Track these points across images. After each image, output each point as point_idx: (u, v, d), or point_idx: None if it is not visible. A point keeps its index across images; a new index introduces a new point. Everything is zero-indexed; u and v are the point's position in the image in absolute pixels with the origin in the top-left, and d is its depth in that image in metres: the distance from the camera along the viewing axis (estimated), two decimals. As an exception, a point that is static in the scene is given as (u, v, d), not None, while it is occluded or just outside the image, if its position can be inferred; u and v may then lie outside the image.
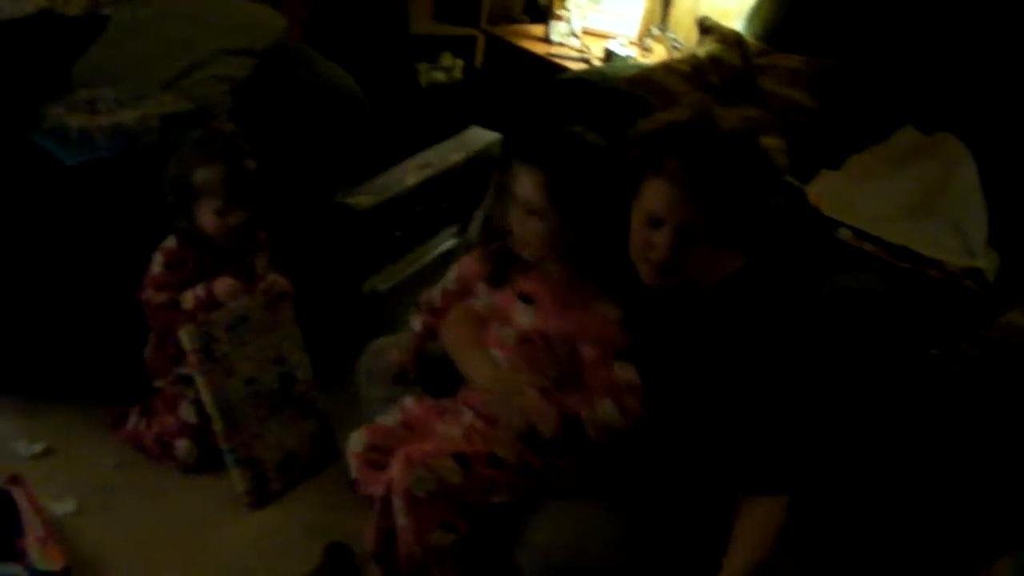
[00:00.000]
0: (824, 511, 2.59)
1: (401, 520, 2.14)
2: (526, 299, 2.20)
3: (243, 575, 2.49)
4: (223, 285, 2.65)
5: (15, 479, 2.43)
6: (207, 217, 2.65)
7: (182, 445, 2.73)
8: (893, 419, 2.58)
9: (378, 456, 2.27)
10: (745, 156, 2.02)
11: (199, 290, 2.66)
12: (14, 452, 2.72)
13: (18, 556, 2.26)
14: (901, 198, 3.24)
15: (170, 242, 2.71)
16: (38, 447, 2.74)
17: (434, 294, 2.45)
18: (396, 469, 2.13)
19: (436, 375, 2.37)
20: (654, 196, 2.01)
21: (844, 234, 3.11)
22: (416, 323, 2.49)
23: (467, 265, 2.38)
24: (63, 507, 2.57)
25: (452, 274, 2.42)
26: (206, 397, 2.62)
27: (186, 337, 2.57)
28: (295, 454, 2.79)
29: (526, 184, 2.08)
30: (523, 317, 2.20)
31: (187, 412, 2.72)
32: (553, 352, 2.18)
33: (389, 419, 2.34)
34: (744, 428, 2.07)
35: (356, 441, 2.32)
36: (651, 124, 2.08)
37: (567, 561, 2.13)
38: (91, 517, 2.57)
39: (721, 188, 1.98)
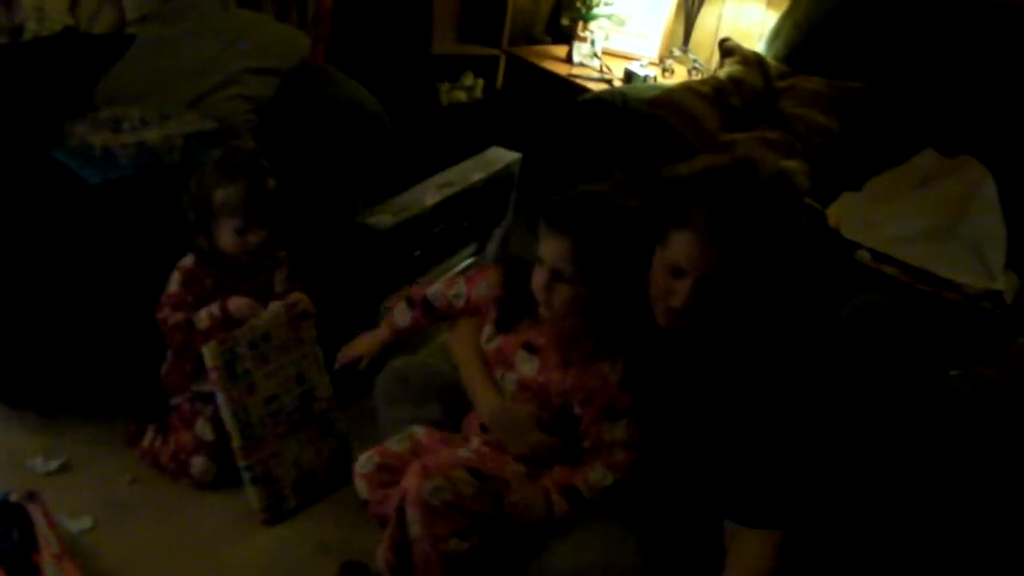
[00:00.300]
0: (838, 533, 2.58)
1: (415, 530, 2.15)
2: (531, 349, 2.22)
3: (258, 593, 2.50)
4: (237, 303, 2.65)
5: (31, 495, 2.43)
6: (227, 236, 2.66)
7: (198, 462, 2.73)
8: (911, 441, 2.57)
9: (388, 477, 2.29)
10: (778, 213, 1.98)
11: (214, 308, 2.67)
12: (31, 468, 2.72)
13: (34, 572, 2.26)
14: (921, 220, 3.24)
15: (187, 260, 2.72)
16: (55, 463, 2.75)
17: (434, 293, 2.46)
18: (411, 479, 2.14)
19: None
20: (679, 247, 1.98)
21: (863, 256, 3.11)
22: (404, 318, 2.51)
23: (477, 289, 2.39)
24: (79, 523, 2.57)
25: (459, 289, 2.42)
26: (226, 414, 2.62)
27: (209, 354, 2.58)
28: (312, 472, 2.79)
29: (554, 250, 2.08)
30: (525, 366, 2.22)
31: (204, 429, 2.73)
32: (549, 403, 2.20)
33: (398, 445, 2.36)
34: (742, 461, 2.06)
35: (365, 463, 2.34)
36: (686, 169, 2.05)
37: None
38: (107, 534, 2.57)
39: (749, 246, 1.95)
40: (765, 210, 1.94)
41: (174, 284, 2.71)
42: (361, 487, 2.34)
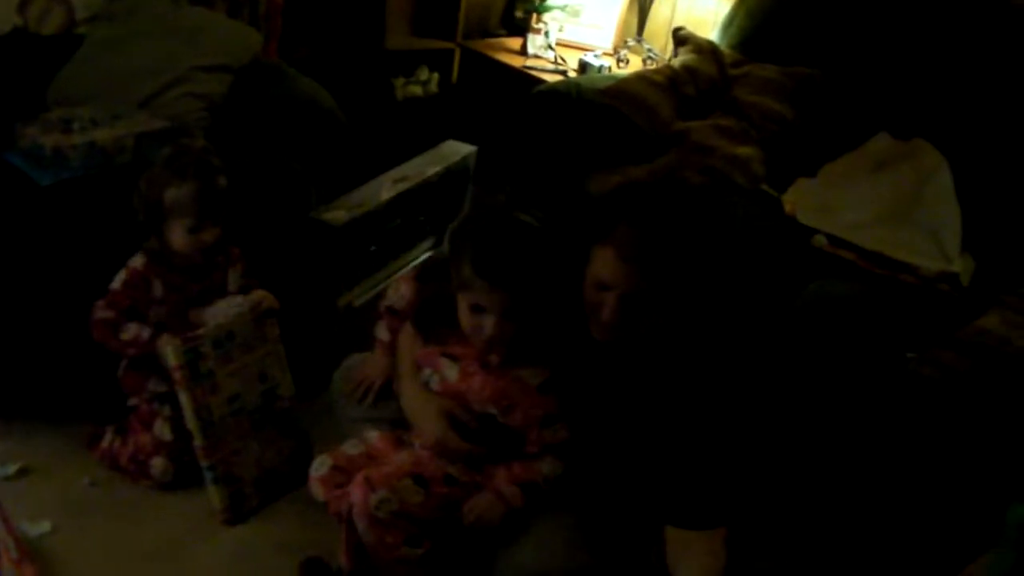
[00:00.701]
0: (800, 515, 2.60)
1: (367, 539, 2.18)
2: (452, 358, 2.23)
3: (220, 592, 2.48)
4: (165, 344, 2.61)
5: (-11, 500, 2.43)
6: (179, 236, 2.64)
7: (157, 463, 2.72)
8: (869, 424, 2.59)
9: (343, 478, 2.30)
10: (701, 227, 2.03)
11: (144, 333, 2.67)
12: (-13, 473, 2.71)
13: (-8, 577, 2.26)
14: (876, 204, 3.26)
15: (137, 261, 2.71)
16: (12, 468, 2.72)
17: (390, 299, 2.47)
18: (357, 492, 2.17)
19: None
20: (602, 264, 2.04)
21: (819, 241, 3.13)
22: (383, 332, 2.50)
23: (409, 289, 2.41)
24: (38, 528, 2.55)
25: (401, 290, 2.45)
26: (188, 414, 2.61)
27: (171, 353, 2.56)
28: (274, 471, 2.78)
29: (493, 303, 2.09)
30: (448, 371, 2.24)
31: (162, 430, 2.71)
32: (470, 409, 2.22)
33: (353, 449, 2.37)
34: (678, 464, 2.10)
35: (318, 466, 2.35)
36: (605, 185, 2.08)
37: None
38: (66, 537, 2.55)
39: (670, 264, 2.00)
40: (686, 225, 2.01)
41: (117, 283, 2.69)
42: (316, 489, 2.35)
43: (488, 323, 2.11)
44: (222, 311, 2.71)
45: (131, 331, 2.67)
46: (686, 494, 2.11)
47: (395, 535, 2.17)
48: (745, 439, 2.13)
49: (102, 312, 2.67)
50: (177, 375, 2.58)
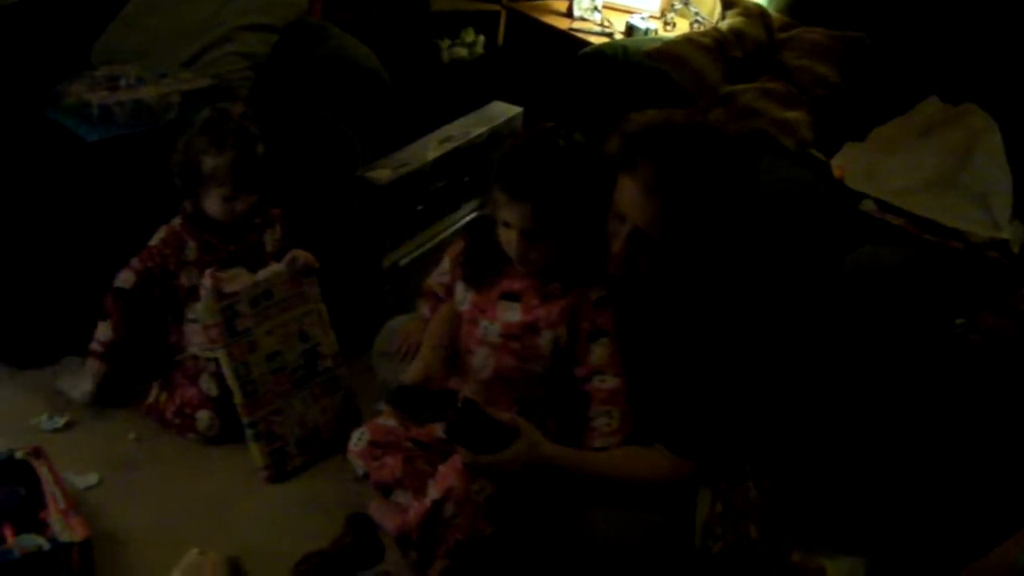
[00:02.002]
0: (843, 480, 2.59)
1: (458, 522, 2.17)
2: (511, 297, 2.21)
3: (262, 548, 2.48)
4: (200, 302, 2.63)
5: (37, 452, 2.44)
6: (214, 203, 2.67)
7: (203, 417, 2.73)
8: (916, 389, 2.57)
9: (381, 450, 2.34)
10: (725, 177, 2.00)
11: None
12: (36, 426, 2.73)
13: (41, 528, 2.27)
14: (925, 170, 3.22)
15: (176, 221, 2.73)
16: (60, 421, 2.75)
17: (434, 281, 2.47)
18: (454, 479, 2.15)
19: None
20: (622, 193, 2.03)
21: (868, 206, 3.10)
22: (426, 309, 2.52)
23: (455, 251, 2.40)
24: (85, 480, 2.58)
25: (444, 265, 2.45)
26: (227, 371, 2.62)
27: (206, 311, 2.58)
28: (317, 430, 2.78)
29: (517, 215, 2.08)
30: (508, 314, 2.21)
31: (208, 384, 2.72)
32: (536, 346, 2.20)
33: (390, 420, 2.39)
34: (676, 392, 2.11)
35: (357, 440, 2.39)
36: (642, 119, 2.06)
37: None
38: (112, 490, 2.58)
39: (689, 205, 1.98)
40: (710, 173, 1.98)
41: (156, 239, 2.73)
42: (357, 463, 2.39)
43: (512, 237, 2.11)
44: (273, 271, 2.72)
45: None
46: (674, 420, 2.12)
47: (482, 520, 2.17)
48: (752, 389, 2.11)
49: (127, 270, 2.71)
50: (213, 332, 2.60)
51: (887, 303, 2.73)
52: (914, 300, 2.73)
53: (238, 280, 2.63)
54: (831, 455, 2.68)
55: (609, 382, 2.17)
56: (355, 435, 2.40)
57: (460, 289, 2.33)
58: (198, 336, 2.72)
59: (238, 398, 2.63)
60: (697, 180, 1.96)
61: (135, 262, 2.70)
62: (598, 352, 2.17)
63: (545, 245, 2.10)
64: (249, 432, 2.66)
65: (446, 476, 2.17)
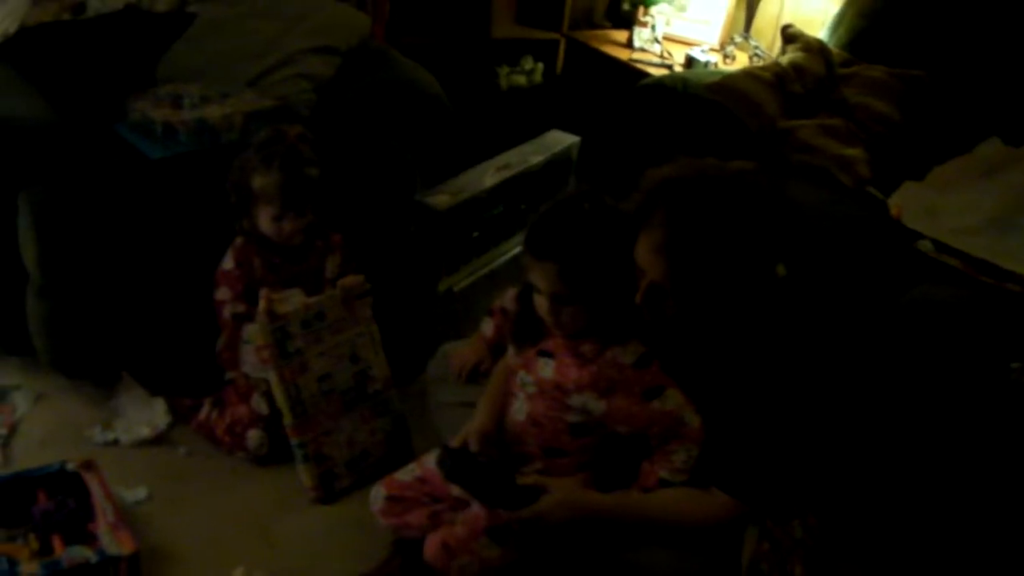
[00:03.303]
0: (896, 519, 2.57)
1: None
2: (547, 355, 2.20)
3: (308, 568, 2.50)
4: (254, 323, 2.66)
5: (88, 464, 2.46)
6: (265, 221, 2.70)
7: (253, 435, 2.74)
8: (970, 432, 2.54)
9: (400, 507, 2.37)
10: (740, 230, 1.97)
11: (239, 305, 2.76)
12: (88, 438, 2.76)
13: (89, 540, 2.29)
14: (984, 210, 3.19)
15: (238, 240, 2.76)
16: (112, 434, 2.78)
17: (506, 300, 2.46)
18: (436, 554, 2.21)
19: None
20: (638, 249, 2.02)
21: (925, 246, 3.07)
22: (488, 328, 2.52)
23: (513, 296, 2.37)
24: (134, 494, 2.60)
25: (511, 294, 2.42)
26: (277, 392, 2.63)
27: (258, 332, 2.60)
28: (366, 452, 2.79)
29: (544, 277, 2.07)
30: (543, 370, 2.20)
31: (259, 403, 2.73)
32: (565, 405, 2.17)
33: (406, 475, 2.40)
34: (727, 430, 2.08)
35: (375, 498, 2.42)
36: (653, 176, 2.05)
37: None
38: (161, 505, 2.60)
39: (703, 261, 1.97)
40: (720, 230, 1.95)
41: (229, 261, 2.75)
42: (379, 521, 2.42)
43: (542, 301, 2.10)
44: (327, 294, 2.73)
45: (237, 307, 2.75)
46: (729, 463, 2.08)
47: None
48: (804, 427, 2.08)
49: (229, 307, 2.76)
50: (265, 353, 2.61)
51: (943, 343, 2.70)
52: (970, 341, 2.70)
53: (290, 301, 2.65)
54: (880, 493, 2.66)
55: (693, 420, 2.12)
56: (373, 493, 2.42)
57: (511, 349, 2.33)
58: (251, 356, 2.74)
59: (288, 419, 2.64)
60: (706, 238, 1.94)
61: (226, 292, 2.76)
62: (664, 404, 2.12)
63: (575, 308, 2.08)
64: (298, 453, 2.67)
65: (428, 552, 2.24)
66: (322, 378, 2.69)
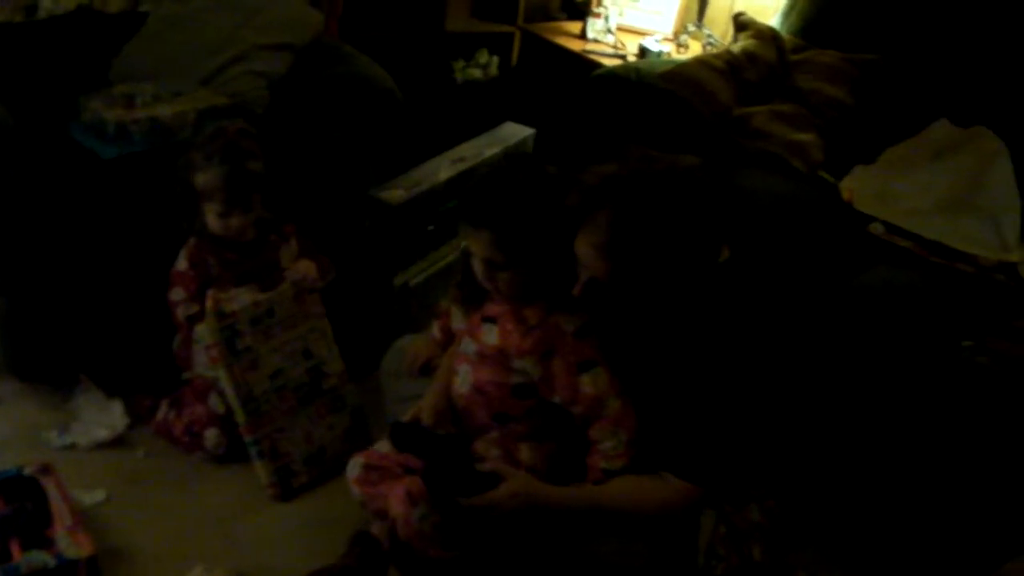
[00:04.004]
0: (850, 501, 2.59)
1: (411, 544, 2.23)
2: (490, 320, 2.23)
3: (267, 565, 2.50)
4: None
5: (45, 468, 2.46)
6: (212, 219, 2.69)
7: (211, 435, 2.74)
8: (923, 410, 2.57)
9: (377, 476, 2.37)
10: (681, 224, 1.98)
11: (192, 306, 2.74)
12: (46, 442, 2.74)
13: (47, 544, 2.28)
14: (935, 192, 3.23)
15: (191, 241, 2.76)
16: (69, 437, 2.76)
17: (449, 301, 2.47)
18: (398, 507, 2.21)
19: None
20: (578, 245, 2.03)
21: (877, 229, 3.11)
22: (436, 329, 2.53)
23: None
24: (93, 497, 2.59)
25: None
26: (227, 389, 2.64)
27: (206, 331, 2.60)
28: (323, 448, 2.79)
29: (478, 244, 2.10)
30: (487, 336, 2.23)
31: (216, 402, 2.73)
32: (508, 370, 2.20)
33: (385, 446, 2.40)
34: (675, 417, 2.09)
35: (352, 467, 2.41)
36: (595, 173, 2.06)
37: None
38: (120, 506, 2.59)
39: (642, 259, 1.98)
40: (661, 226, 1.96)
41: (183, 262, 2.75)
42: (353, 489, 2.41)
43: (476, 265, 2.14)
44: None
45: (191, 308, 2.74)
46: (678, 445, 2.09)
47: (436, 545, 2.20)
48: (754, 408, 2.10)
49: (176, 295, 2.74)
50: (214, 352, 2.61)
51: (896, 324, 2.74)
52: (922, 321, 2.74)
53: (238, 300, 2.65)
54: (836, 475, 2.69)
55: (613, 405, 2.15)
56: (351, 463, 2.42)
57: (457, 312, 2.36)
58: (202, 356, 2.74)
59: (240, 417, 2.65)
60: (650, 242, 1.96)
61: (180, 292, 2.75)
62: (593, 382, 2.15)
63: (510, 273, 2.11)
64: (252, 450, 2.67)
65: (392, 503, 2.23)
66: (274, 375, 2.69)
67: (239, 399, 2.63)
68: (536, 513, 2.11)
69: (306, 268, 2.77)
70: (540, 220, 2.06)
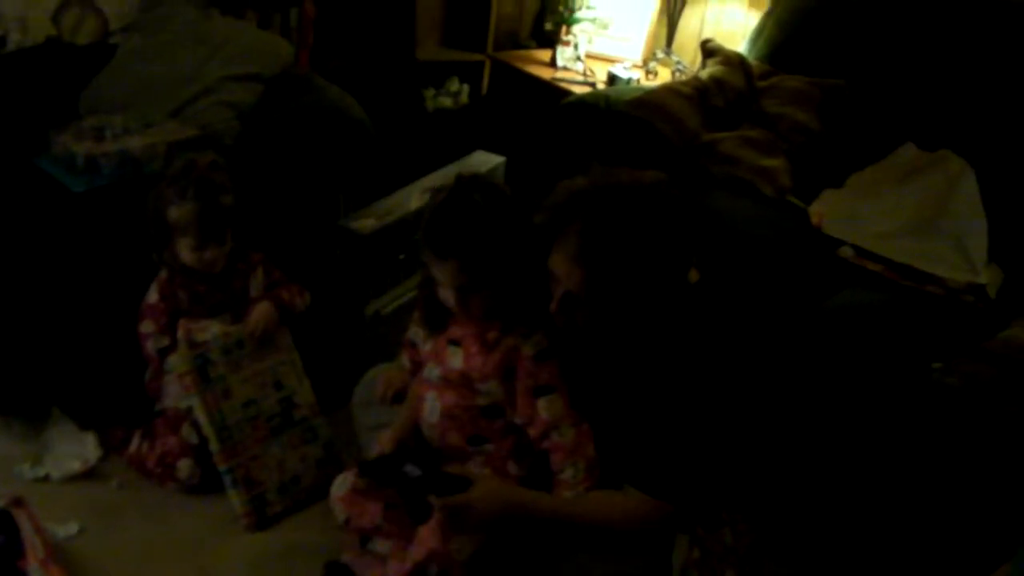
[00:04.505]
0: (822, 522, 2.60)
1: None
2: (455, 343, 2.24)
3: (243, 596, 2.50)
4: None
5: (18, 501, 2.44)
6: (186, 252, 2.70)
7: (184, 465, 2.74)
8: (893, 432, 2.59)
9: (363, 498, 2.36)
10: (652, 238, 2.01)
11: (163, 339, 2.77)
12: (18, 475, 2.73)
13: (20, 577, 2.29)
14: (903, 215, 3.26)
15: (162, 274, 2.77)
16: (42, 470, 2.75)
17: (412, 333, 2.47)
18: (431, 543, 2.17)
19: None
20: (552, 260, 2.06)
21: (846, 252, 3.13)
22: (404, 361, 2.53)
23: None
24: (66, 529, 2.58)
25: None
26: (201, 418, 2.65)
27: (179, 360, 2.62)
28: (297, 478, 2.79)
29: (444, 273, 2.11)
30: (452, 359, 2.23)
31: (188, 433, 2.73)
32: (473, 392, 2.21)
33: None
34: (638, 433, 2.10)
35: (340, 484, 2.40)
36: (566, 187, 2.09)
37: None
38: (93, 539, 2.58)
39: (618, 270, 2.01)
40: (634, 239, 1.99)
41: (153, 294, 2.77)
42: (337, 508, 2.39)
43: (445, 295, 2.15)
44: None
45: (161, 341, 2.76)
46: (639, 460, 2.11)
47: (468, 571, 2.19)
48: (722, 429, 2.12)
49: (146, 327, 2.76)
50: (187, 380, 2.63)
51: (865, 346, 2.75)
52: (892, 344, 2.75)
53: (209, 330, 2.67)
54: (808, 497, 2.70)
55: (567, 434, 2.16)
56: (338, 480, 2.41)
57: (421, 336, 2.36)
58: (174, 387, 2.75)
59: (214, 445, 2.65)
60: (622, 246, 1.98)
61: (149, 325, 2.76)
62: (549, 408, 2.16)
63: (481, 295, 2.12)
64: (227, 478, 2.67)
65: (426, 538, 2.18)
66: (246, 404, 2.71)
67: (213, 426, 2.64)
68: (511, 516, 2.12)
69: (261, 315, 2.78)
70: (504, 240, 2.08)
